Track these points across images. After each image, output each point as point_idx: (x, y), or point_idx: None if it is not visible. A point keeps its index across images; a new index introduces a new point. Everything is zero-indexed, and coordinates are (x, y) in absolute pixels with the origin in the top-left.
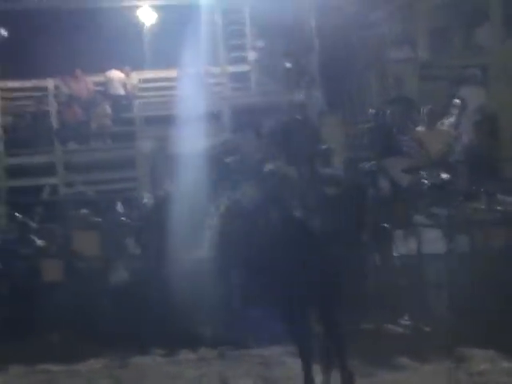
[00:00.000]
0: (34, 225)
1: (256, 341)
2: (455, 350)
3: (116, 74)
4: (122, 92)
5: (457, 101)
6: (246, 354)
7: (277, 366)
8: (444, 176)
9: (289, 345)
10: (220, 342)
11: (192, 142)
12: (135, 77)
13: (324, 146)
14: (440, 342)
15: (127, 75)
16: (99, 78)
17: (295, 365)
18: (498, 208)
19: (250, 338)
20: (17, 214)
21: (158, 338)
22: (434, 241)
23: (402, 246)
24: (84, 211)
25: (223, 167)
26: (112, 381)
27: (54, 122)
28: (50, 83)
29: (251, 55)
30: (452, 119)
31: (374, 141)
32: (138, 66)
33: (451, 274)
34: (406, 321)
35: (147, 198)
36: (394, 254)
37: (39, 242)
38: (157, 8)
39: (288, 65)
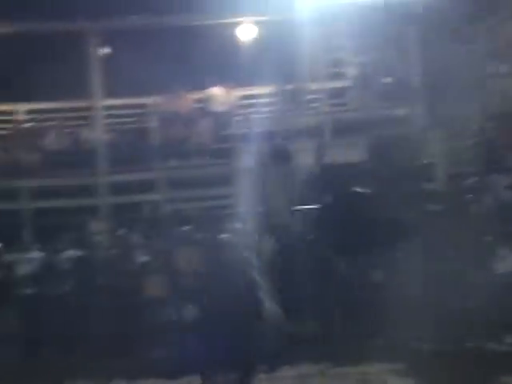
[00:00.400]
0: (136, 241)
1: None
2: None
3: (217, 91)
4: (222, 109)
5: None
6: (346, 372)
7: None
8: None
9: (390, 362)
10: (320, 359)
11: (292, 157)
12: (235, 94)
13: (426, 161)
14: None
15: (227, 92)
16: (199, 96)
17: (396, 383)
18: None
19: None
20: (119, 231)
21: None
22: None
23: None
24: (186, 228)
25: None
26: None
27: (155, 140)
28: (151, 101)
29: (350, 70)
30: None
31: (478, 156)
32: (237, 82)
33: None
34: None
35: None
36: (498, 271)
37: (142, 259)
38: (257, 24)
39: (388, 79)
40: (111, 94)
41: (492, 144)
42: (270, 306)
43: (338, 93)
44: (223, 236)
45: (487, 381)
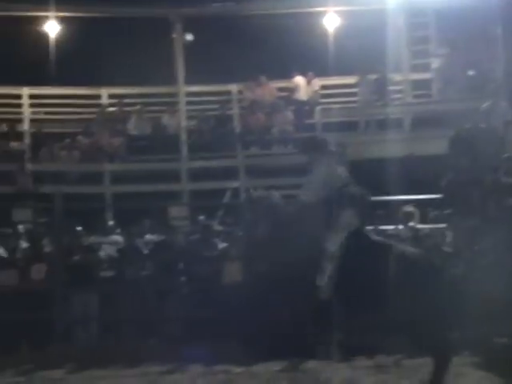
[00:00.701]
0: (217, 228)
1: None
2: None
3: (300, 81)
4: (304, 98)
5: None
6: (422, 364)
7: (457, 376)
8: None
9: (470, 356)
10: (396, 350)
11: (372, 147)
12: (317, 83)
13: (507, 155)
14: None
15: (309, 81)
16: (282, 84)
17: (475, 376)
18: None
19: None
20: (200, 217)
21: (333, 344)
22: None
23: None
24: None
25: None
26: (289, 383)
27: (237, 127)
28: (233, 88)
29: (434, 62)
30: None
31: None
32: (320, 72)
33: None
34: None
35: None
36: None
37: (222, 245)
38: (342, 14)
39: (471, 72)
40: (194, 80)
41: None
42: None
43: (422, 84)
44: None
45: None
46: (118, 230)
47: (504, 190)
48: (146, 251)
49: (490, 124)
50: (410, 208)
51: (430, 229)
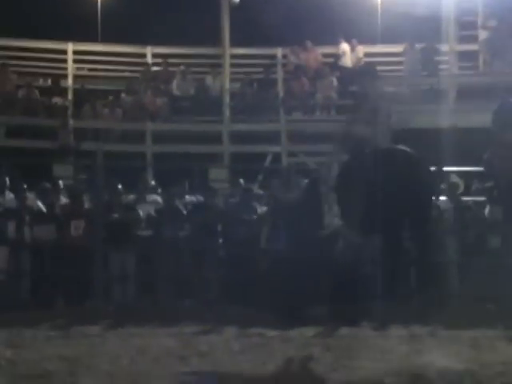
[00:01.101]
0: (257, 192)
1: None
2: None
3: (346, 47)
4: (349, 65)
5: None
6: (456, 335)
7: (489, 350)
8: None
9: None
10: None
11: (417, 117)
12: (361, 50)
13: None
14: None
15: (353, 48)
16: (327, 50)
17: (508, 350)
18: None
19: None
20: (241, 180)
21: (369, 312)
22: None
23: None
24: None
25: None
26: (322, 349)
27: (281, 91)
28: (278, 52)
29: (482, 34)
30: None
31: None
32: (367, 39)
33: None
34: None
35: None
36: None
37: (261, 209)
38: None
39: None
40: (239, 42)
41: None
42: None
43: (468, 56)
44: None
45: None
46: (158, 190)
47: None
48: (184, 212)
49: None
50: (455, 178)
51: (473, 201)
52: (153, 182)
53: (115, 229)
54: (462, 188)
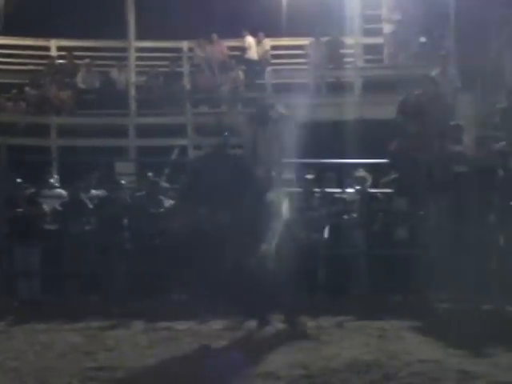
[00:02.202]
0: (164, 185)
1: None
2: None
3: (251, 40)
4: (255, 58)
5: None
6: (364, 326)
7: (396, 339)
8: None
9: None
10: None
11: (321, 111)
12: (268, 43)
13: (454, 123)
14: None
15: (260, 41)
16: (233, 43)
17: (414, 340)
18: None
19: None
20: (148, 174)
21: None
22: None
23: None
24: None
25: None
26: (231, 342)
27: (187, 84)
28: (184, 45)
29: (386, 27)
30: None
31: (506, 121)
32: (272, 32)
33: None
34: None
35: None
36: None
37: (168, 203)
38: None
39: (423, 39)
40: (145, 35)
41: None
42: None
43: (373, 49)
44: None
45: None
46: (63, 184)
47: (450, 158)
48: (90, 206)
49: (439, 91)
50: (362, 172)
51: (380, 193)
52: (58, 176)
53: (19, 223)
54: (369, 181)
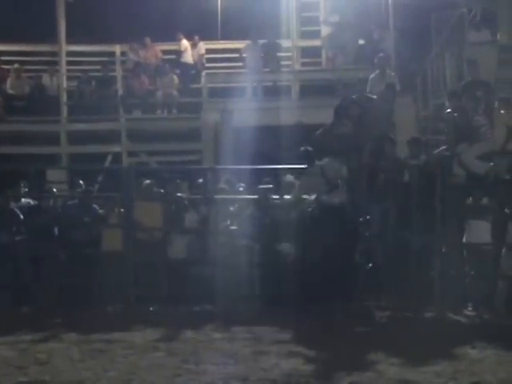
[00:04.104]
0: (96, 193)
1: None
2: None
3: (185, 43)
4: (190, 61)
5: None
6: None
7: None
8: None
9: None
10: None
11: (259, 114)
12: (203, 46)
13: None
14: None
15: (195, 45)
16: (168, 47)
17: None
18: None
19: None
20: (80, 181)
21: (212, 315)
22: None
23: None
24: (147, 182)
25: None
26: (166, 354)
27: (120, 89)
28: (117, 49)
29: (324, 30)
30: None
31: (447, 124)
32: (207, 35)
33: None
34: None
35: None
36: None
37: (101, 212)
38: None
39: (361, 42)
40: (76, 39)
41: (463, 112)
42: None
43: (311, 52)
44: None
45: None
46: None
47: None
48: (21, 215)
49: (378, 94)
50: (289, 178)
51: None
52: None
53: None
54: (297, 187)
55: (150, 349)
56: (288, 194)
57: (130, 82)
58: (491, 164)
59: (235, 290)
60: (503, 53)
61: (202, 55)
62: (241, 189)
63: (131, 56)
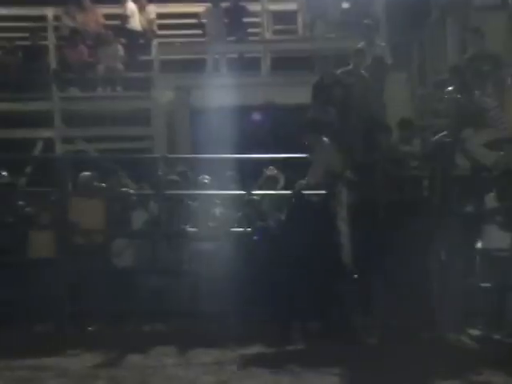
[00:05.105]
0: (22, 188)
1: None
2: None
3: (132, 7)
4: (138, 28)
5: None
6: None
7: None
8: None
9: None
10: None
11: (221, 94)
12: (153, 10)
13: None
14: None
15: (143, 8)
16: (111, 10)
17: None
18: None
19: None
20: (3, 173)
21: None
22: None
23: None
24: (86, 174)
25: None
26: (108, 382)
27: (53, 62)
28: (49, 13)
29: None
30: None
31: (448, 106)
32: None
33: None
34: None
35: None
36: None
37: (28, 209)
38: None
39: (346, 5)
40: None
41: (468, 91)
42: None
43: (285, 18)
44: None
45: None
46: None
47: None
48: None
49: (364, 69)
50: (272, 171)
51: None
52: None
53: None
54: (281, 182)
55: (87, 377)
56: (270, 189)
57: (65, 53)
58: (501, 153)
59: (193, 305)
60: None
61: (152, 21)
62: (205, 181)
63: (67, 21)
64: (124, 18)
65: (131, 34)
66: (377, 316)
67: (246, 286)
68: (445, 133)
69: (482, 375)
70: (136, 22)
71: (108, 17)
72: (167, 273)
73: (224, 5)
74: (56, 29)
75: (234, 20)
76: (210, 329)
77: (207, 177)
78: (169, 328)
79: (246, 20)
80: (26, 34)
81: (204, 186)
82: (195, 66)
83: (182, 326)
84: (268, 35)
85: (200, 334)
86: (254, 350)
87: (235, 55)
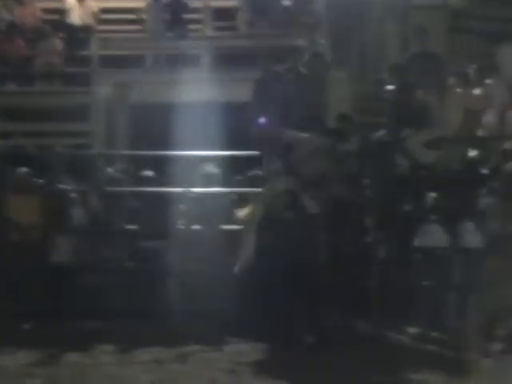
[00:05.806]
0: None
1: None
2: None
3: (72, 0)
4: (78, 23)
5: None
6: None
7: None
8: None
9: None
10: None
11: (162, 89)
12: (93, 5)
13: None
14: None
15: (83, 2)
16: (50, 4)
17: None
18: None
19: None
20: None
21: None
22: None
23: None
24: (23, 170)
25: None
26: (43, 381)
27: None
28: None
29: None
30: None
31: (388, 104)
32: None
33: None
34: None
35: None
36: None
37: None
38: None
39: (286, 3)
40: None
41: (408, 89)
42: None
43: (226, 14)
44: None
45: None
46: None
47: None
48: None
49: (307, 65)
50: (211, 168)
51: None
52: None
53: None
54: (218, 179)
55: (23, 375)
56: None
57: (2, 47)
58: (441, 152)
59: (133, 302)
60: (456, 19)
61: (92, 15)
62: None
63: (3, 14)
64: (63, 12)
65: (70, 29)
66: (313, 317)
67: (187, 284)
68: (384, 132)
69: (420, 373)
70: (75, 17)
71: (47, 11)
72: (106, 271)
73: (165, 0)
74: None
75: (175, 16)
76: (150, 327)
77: (150, 172)
78: (107, 326)
79: (186, 16)
80: None
81: (146, 182)
82: (135, 61)
83: (120, 324)
84: (209, 32)
85: (139, 332)
86: (193, 348)
87: (175, 51)
